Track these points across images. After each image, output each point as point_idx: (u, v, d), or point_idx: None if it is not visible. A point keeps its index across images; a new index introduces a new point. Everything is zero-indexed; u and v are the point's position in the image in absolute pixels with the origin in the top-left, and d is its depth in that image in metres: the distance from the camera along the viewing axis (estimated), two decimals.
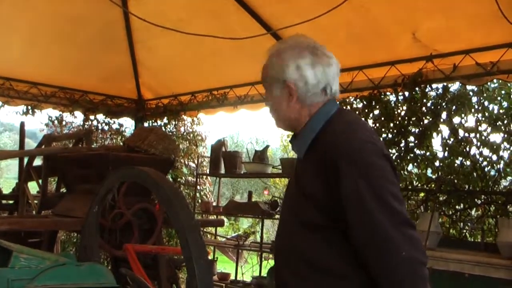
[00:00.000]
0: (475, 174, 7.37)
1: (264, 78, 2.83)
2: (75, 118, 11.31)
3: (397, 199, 2.41)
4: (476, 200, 7.38)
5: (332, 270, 2.50)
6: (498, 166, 7.27)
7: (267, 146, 9.44)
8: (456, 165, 7.56)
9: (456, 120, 7.55)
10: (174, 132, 11.38)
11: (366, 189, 2.36)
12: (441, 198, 7.63)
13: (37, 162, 7.15)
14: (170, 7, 8.21)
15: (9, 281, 3.71)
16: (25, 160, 7.13)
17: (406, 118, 7.79)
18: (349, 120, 2.69)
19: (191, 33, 7.34)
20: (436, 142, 7.68)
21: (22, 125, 7.75)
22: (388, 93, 7.93)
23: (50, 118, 11.25)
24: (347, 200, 2.39)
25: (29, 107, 10.25)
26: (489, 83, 7.19)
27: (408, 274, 2.33)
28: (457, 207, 7.53)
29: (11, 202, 7.55)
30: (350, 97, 8.27)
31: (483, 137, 7.38)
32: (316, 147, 2.62)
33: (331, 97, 2.76)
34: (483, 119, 7.42)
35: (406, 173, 7.86)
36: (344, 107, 8.17)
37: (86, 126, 11.11)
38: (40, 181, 6.84)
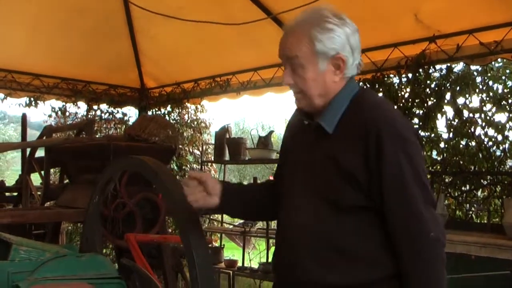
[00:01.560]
0: (480, 155, 7.34)
1: (298, 54, 2.56)
2: (79, 109, 11.29)
3: (427, 177, 2.52)
4: (482, 181, 7.36)
5: (364, 257, 2.47)
6: (504, 146, 7.24)
7: (271, 132, 9.41)
8: (461, 146, 7.54)
9: (461, 100, 7.52)
10: (178, 120, 11.35)
11: (405, 163, 2.42)
12: (446, 180, 7.60)
13: (40, 153, 7.12)
14: None
15: (9, 274, 3.70)
16: (27, 151, 7.11)
17: (410, 100, 7.75)
18: (380, 99, 2.86)
19: (192, 20, 7.31)
20: (441, 124, 7.66)
21: (24, 116, 7.72)
22: (391, 76, 7.88)
23: (53, 109, 11.23)
24: (386, 173, 2.41)
25: (32, 99, 10.22)
26: (493, 63, 7.14)
27: (434, 256, 2.40)
28: (463, 188, 7.51)
29: (15, 194, 7.54)
30: None
31: (488, 117, 7.35)
32: (349, 122, 2.54)
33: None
34: (488, 99, 7.39)
35: None
36: None
37: (89, 116, 11.09)
38: (42, 172, 6.82)
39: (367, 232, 2.47)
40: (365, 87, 7.05)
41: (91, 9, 8.75)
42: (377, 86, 7.96)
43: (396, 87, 7.91)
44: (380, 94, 7.97)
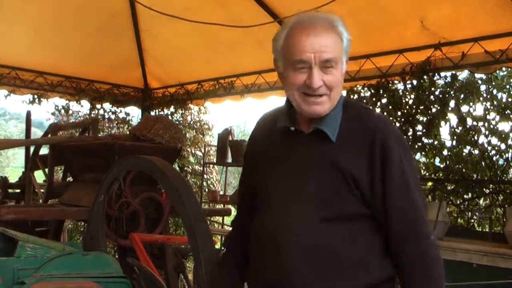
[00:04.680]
0: (483, 163, 7.34)
1: (335, 53, 2.42)
2: (82, 107, 11.30)
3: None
4: (484, 189, 7.35)
5: (362, 264, 2.43)
6: (507, 155, 7.24)
7: None
8: (464, 154, 7.54)
9: (465, 108, 7.52)
10: (181, 121, 11.35)
11: (409, 171, 2.45)
12: (449, 187, 7.60)
13: (44, 151, 7.13)
14: None
15: (15, 270, 3.71)
16: (31, 149, 7.12)
17: (414, 106, 7.74)
18: (369, 108, 2.75)
19: (197, 21, 7.32)
20: (444, 131, 7.66)
21: (28, 114, 7.74)
22: (396, 82, 7.88)
23: (56, 107, 11.24)
24: (393, 179, 2.41)
25: (36, 96, 10.22)
26: (498, 71, 7.13)
27: (437, 255, 2.44)
28: (465, 196, 7.51)
29: (17, 191, 7.55)
30: (358, 86, 8.22)
31: (491, 126, 7.34)
32: (350, 130, 2.48)
33: None
34: (492, 107, 7.39)
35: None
36: (352, 96, 8.16)
37: (92, 115, 11.10)
38: (46, 170, 6.82)
39: (365, 239, 2.45)
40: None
41: (96, 8, 8.76)
42: (381, 92, 7.97)
43: (401, 93, 7.90)
44: (384, 100, 7.99)
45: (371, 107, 2.71)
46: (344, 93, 8.05)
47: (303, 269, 2.41)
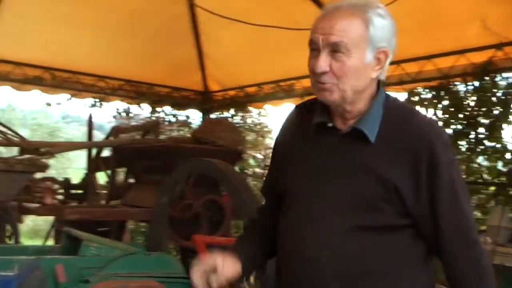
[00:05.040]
0: None
1: (346, 36, 2.19)
2: (142, 110, 11.41)
3: None
4: None
5: (400, 279, 2.26)
6: None
7: None
8: None
9: None
10: (241, 124, 11.37)
11: (457, 178, 2.29)
12: (511, 192, 7.44)
13: (105, 153, 7.24)
14: None
15: (80, 269, 3.77)
16: (93, 151, 7.23)
17: (476, 108, 7.60)
18: (415, 109, 2.53)
19: (256, 24, 7.34)
20: (507, 134, 7.50)
21: (90, 117, 7.86)
22: (457, 83, 7.76)
23: (117, 111, 11.38)
24: (442, 190, 2.21)
25: (97, 100, 10.38)
26: None
27: (488, 266, 2.30)
28: None
29: (80, 192, 7.68)
30: (418, 87, 8.11)
31: None
32: (393, 132, 2.26)
33: None
34: None
35: (476, 166, 7.68)
36: (413, 98, 8.06)
37: (153, 118, 11.20)
38: (108, 171, 6.92)
39: (404, 251, 2.27)
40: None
41: (156, 12, 8.84)
42: (442, 94, 7.85)
43: (462, 95, 7.77)
44: (446, 102, 7.87)
45: (413, 107, 2.42)
46: (405, 95, 7.98)
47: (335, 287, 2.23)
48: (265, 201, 2.77)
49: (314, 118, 2.38)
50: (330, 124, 2.34)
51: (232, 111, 11.29)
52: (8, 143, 6.16)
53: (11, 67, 9.19)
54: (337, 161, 2.29)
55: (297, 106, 2.64)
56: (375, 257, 2.21)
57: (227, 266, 2.39)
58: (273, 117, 11.56)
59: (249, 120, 11.49)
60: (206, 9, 7.44)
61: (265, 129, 11.71)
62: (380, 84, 2.35)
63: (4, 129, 6.11)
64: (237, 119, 11.27)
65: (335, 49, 2.20)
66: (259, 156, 11.46)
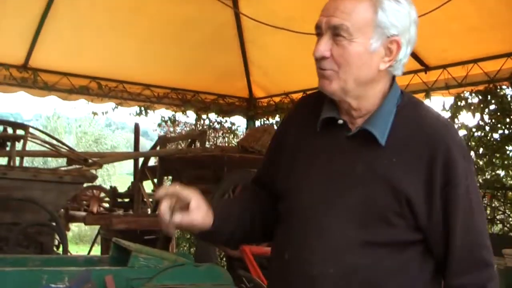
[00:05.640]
0: None
1: (350, 20, 1.97)
2: (188, 118, 11.47)
3: None
4: None
5: None
6: None
7: None
8: None
9: None
10: None
11: (473, 188, 2.05)
12: None
13: (152, 162, 7.29)
14: (281, 6, 8.22)
15: (128, 280, 3.77)
16: (140, 160, 7.28)
17: None
18: (434, 110, 2.20)
19: (300, 32, 7.31)
20: None
21: (136, 126, 7.92)
22: (504, 87, 7.64)
23: (163, 118, 11.45)
24: (457, 202, 1.99)
25: (142, 108, 10.46)
26: None
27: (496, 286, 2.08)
28: None
29: (126, 200, 7.73)
30: (465, 92, 8.00)
31: None
32: (405, 135, 2.04)
33: None
34: None
35: None
36: (459, 103, 7.96)
37: (198, 125, 11.25)
38: (155, 180, 6.96)
39: (414, 268, 2.05)
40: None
41: (201, 21, 8.89)
42: (489, 98, 7.74)
43: (509, 99, 7.66)
44: (493, 107, 7.76)
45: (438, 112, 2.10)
46: (451, 99, 7.90)
47: None
48: (251, 187, 2.46)
49: (322, 113, 2.14)
50: (340, 121, 2.10)
51: (277, 118, 11.26)
52: (58, 154, 6.22)
53: (58, 77, 9.33)
54: (345, 166, 2.06)
55: (303, 97, 2.46)
56: (384, 277, 2.01)
57: (199, 212, 2.10)
58: None
59: None
60: (250, 17, 7.42)
61: None
62: (393, 80, 2.13)
63: (53, 140, 6.18)
64: None
65: (336, 33, 1.99)
66: None
